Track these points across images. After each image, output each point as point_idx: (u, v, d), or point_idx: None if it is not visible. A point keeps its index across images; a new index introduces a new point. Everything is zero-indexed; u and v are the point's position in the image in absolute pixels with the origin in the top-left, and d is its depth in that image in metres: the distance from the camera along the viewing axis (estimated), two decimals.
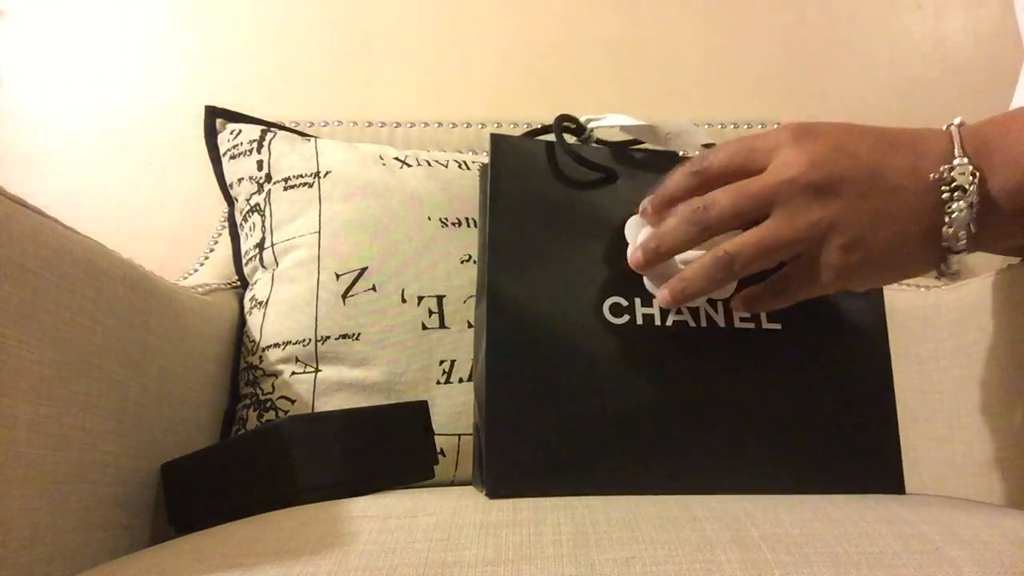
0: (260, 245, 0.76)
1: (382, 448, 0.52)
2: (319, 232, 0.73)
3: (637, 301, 0.48)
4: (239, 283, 0.80)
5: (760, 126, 0.99)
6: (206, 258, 0.86)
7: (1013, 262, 0.60)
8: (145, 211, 1.06)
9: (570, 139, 0.55)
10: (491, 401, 0.45)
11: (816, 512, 0.37)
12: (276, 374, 0.70)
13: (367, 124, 0.97)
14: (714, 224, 0.42)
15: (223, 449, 0.55)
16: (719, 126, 0.99)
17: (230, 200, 0.82)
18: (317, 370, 0.69)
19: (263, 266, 0.76)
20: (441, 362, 0.70)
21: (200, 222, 0.97)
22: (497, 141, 0.51)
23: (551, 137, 0.52)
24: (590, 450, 0.44)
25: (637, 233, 0.48)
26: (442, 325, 0.71)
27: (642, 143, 0.60)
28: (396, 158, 0.79)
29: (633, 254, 0.46)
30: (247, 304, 0.76)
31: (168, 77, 1.09)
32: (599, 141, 0.57)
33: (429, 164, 0.79)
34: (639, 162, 0.53)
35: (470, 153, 0.93)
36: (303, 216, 0.75)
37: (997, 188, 0.39)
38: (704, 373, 0.47)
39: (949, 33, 1.12)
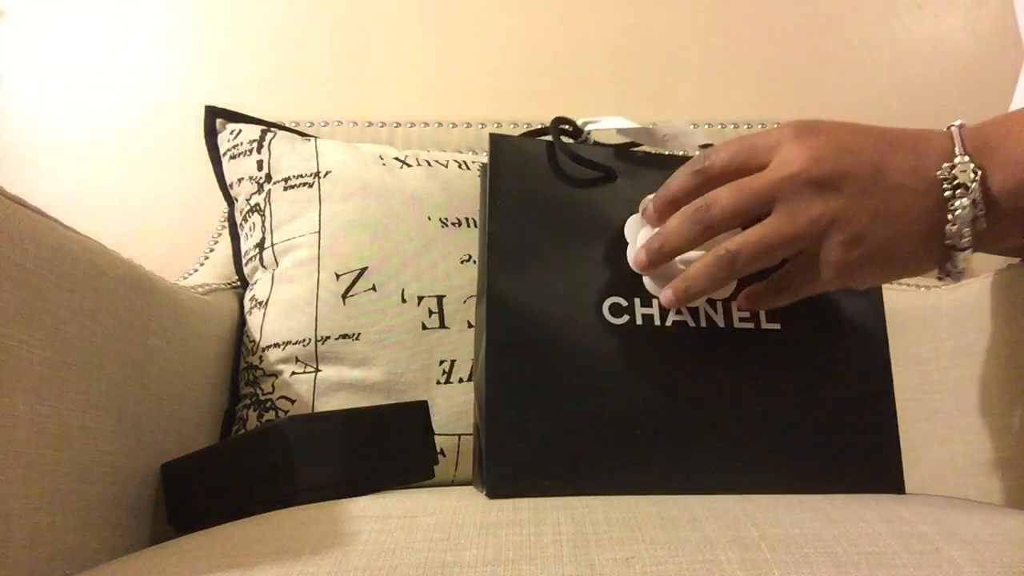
0: (260, 245, 0.76)
1: (382, 448, 0.52)
2: (319, 232, 0.73)
3: (637, 301, 0.48)
4: (239, 283, 0.80)
5: (760, 126, 0.99)
6: (206, 258, 0.86)
7: (1013, 262, 0.60)
8: (145, 211, 1.06)
9: (567, 141, 0.54)
10: (491, 401, 0.45)
11: (816, 512, 0.37)
12: (276, 374, 0.70)
13: (367, 124, 0.97)
14: (716, 223, 0.42)
15: (223, 449, 0.55)
16: (719, 126, 0.99)
17: (230, 200, 0.82)
18: (317, 370, 0.69)
19: (263, 266, 0.76)
20: (441, 362, 0.70)
21: (200, 222, 0.97)
22: (496, 141, 0.51)
23: (549, 138, 0.52)
24: (590, 450, 0.44)
25: (637, 233, 0.48)
26: (442, 325, 0.71)
27: (640, 145, 0.60)
28: (396, 158, 0.79)
29: (636, 255, 0.46)
30: (247, 304, 0.76)
31: (168, 77, 1.09)
32: (596, 143, 0.56)
33: (429, 164, 0.79)
34: (639, 161, 0.53)
35: (470, 153, 0.93)
36: (303, 216, 0.75)
37: (998, 187, 0.39)
38: (704, 373, 0.47)
39: (949, 33, 1.12)
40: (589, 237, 0.49)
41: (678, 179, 0.45)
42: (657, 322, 0.48)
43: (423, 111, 1.00)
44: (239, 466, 0.51)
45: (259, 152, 0.78)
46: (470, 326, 0.71)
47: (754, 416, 0.47)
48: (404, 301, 0.71)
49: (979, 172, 0.39)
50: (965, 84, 1.10)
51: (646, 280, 0.47)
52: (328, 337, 0.69)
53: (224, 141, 0.81)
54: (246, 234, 0.78)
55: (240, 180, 0.79)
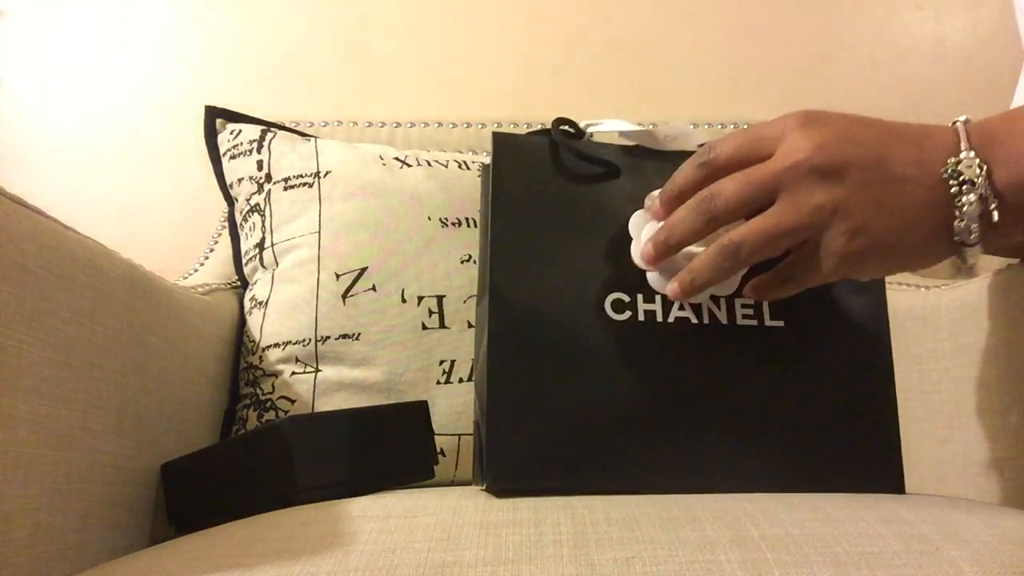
0: (260, 245, 0.76)
1: (382, 448, 0.52)
2: (319, 232, 0.74)
3: (639, 297, 0.48)
4: (239, 283, 0.80)
5: None
6: (206, 258, 0.86)
7: (1013, 262, 0.60)
8: (145, 211, 1.06)
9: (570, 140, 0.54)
10: (492, 397, 0.44)
11: (816, 512, 0.37)
12: (276, 374, 0.70)
13: (367, 124, 0.97)
14: (720, 213, 0.42)
15: (223, 449, 0.55)
16: (719, 126, 0.99)
17: (230, 200, 0.82)
18: (317, 370, 0.69)
19: (263, 266, 0.76)
20: (441, 362, 0.70)
21: (200, 222, 0.97)
22: (500, 139, 0.51)
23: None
24: (591, 447, 0.44)
25: (642, 229, 0.48)
26: (442, 325, 0.71)
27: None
28: (396, 158, 0.79)
29: (643, 248, 0.46)
30: (247, 304, 0.76)
31: (168, 77, 1.09)
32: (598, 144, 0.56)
33: (429, 164, 0.79)
34: (642, 156, 0.53)
35: (470, 153, 0.93)
36: (303, 216, 0.75)
37: (1003, 183, 0.39)
38: (705, 370, 0.47)
39: (949, 33, 1.12)
40: (592, 233, 0.49)
41: (684, 173, 0.45)
42: (659, 318, 0.48)
43: (423, 111, 1.00)
44: (239, 466, 0.51)
45: (259, 152, 0.78)
46: (470, 326, 0.71)
47: (755, 414, 0.47)
48: (404, 301, 0.71)
49: (985, 167, 0.39)
50: (965, 84, 1.10)
51: (650, 276, 0.47)
52: (328, 337, 0.70)
53: (224, 141, 0.81)
54: (246, 234, 0.78)
55: (240, 180, 0.79)
